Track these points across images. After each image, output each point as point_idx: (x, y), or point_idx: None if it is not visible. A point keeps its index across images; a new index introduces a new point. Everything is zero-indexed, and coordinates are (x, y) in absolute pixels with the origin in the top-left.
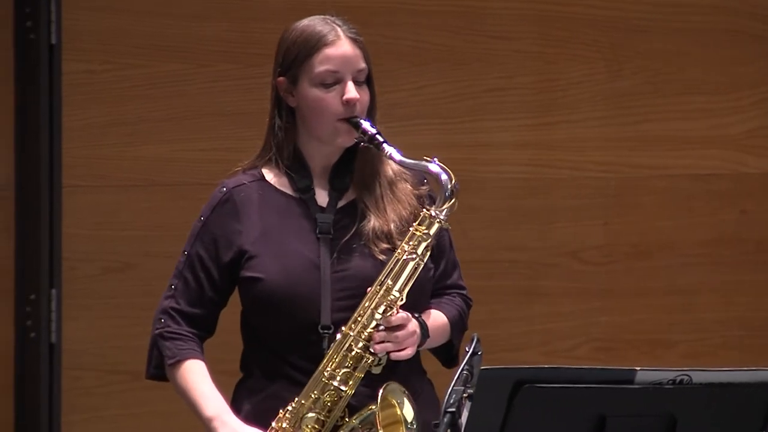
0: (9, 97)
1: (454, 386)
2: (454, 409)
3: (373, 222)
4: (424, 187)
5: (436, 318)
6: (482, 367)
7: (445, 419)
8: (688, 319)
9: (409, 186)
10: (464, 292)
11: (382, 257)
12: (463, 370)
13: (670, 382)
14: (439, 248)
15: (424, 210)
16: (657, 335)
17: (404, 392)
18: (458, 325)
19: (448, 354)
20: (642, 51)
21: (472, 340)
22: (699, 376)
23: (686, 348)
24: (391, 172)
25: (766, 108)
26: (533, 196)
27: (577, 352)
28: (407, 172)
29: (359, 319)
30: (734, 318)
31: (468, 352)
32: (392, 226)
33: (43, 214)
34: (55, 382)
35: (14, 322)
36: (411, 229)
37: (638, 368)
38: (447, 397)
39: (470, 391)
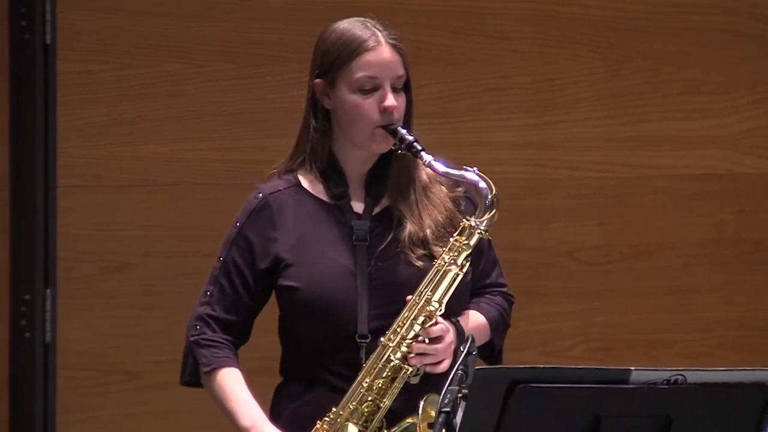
0: (4, 96)
1: (449, 386)
2: (449, 409)
3: (408, 228)
4: (459, 189)
5: (475, 319)
6: (477, 367)
7: (440, 419)
8: (687, 319)
9: (444, 189)
10: (505, 289)
11: (419, 264)
12: (457, 370)
13: (665, 382)
14: (478, 248)
15: (464, 220)
16: (655, 335)
17: None
18: (499, 324)
19: (490, 353)
20: (641, 51)
21: (467, 341)
22: (694, 376)
23: (684, 348)
24: (425, 177)
25: (765, 108)
26: (532, 196)
27: (575, 351)
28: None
29: (398, 329)
30: (733, 318)
31: (462, 351)
32: (428, 231)
33: (38, 214)
34: (50, 383)
35: (9, 321)
36: (451, 240)
37: (633, 368)
38: (442, 397)
39: (465, 391)
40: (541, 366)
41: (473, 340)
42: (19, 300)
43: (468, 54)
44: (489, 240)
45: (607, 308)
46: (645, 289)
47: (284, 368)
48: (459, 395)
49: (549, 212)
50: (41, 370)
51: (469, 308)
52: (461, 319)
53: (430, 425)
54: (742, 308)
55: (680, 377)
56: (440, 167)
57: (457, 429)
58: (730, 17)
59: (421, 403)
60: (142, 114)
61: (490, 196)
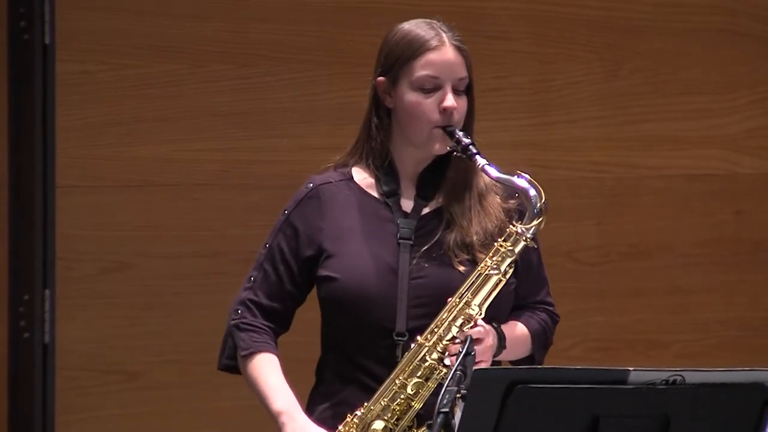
0: (3, 97)
1: (447, 387)
2: (447, 410)
3: (456, 232)
4: (513, 201)
5: (517, 329)
6: (475, 368)
7: (439, 420)
8: (686, 319)
9: (498, 199)
10: (552, 308)
11: (461, 268)
12: (456, 370)
13: (664, 382)
14: (526, 264)
15: (511, 226)
16: (654, 335)
17: None
18: (540, 339)
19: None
20: (639, 51)
21: (465, 341)
22: (692, 377)
23: (683, 348)
24: (482, 185)
25: (764, 108)
26: None
27: (574, 352)
28: (498, 185)
29: (436, 330)
30: (732, 318)
31: (461, 352)
32: (475, 238)
33: (37, 214)
34: (49, 383)
35: (8, 322)
36: (495, 244)
37: (631, 368)
38: (440, 397)
39: (464, 391)
40: (540, 366)
41: (472, 341)
42: (18, 300)
43: None
44: (539, 257)
45: (606, 308)
46: (644, 290)
47: (320, 370)
48: (458, 395)
49: (547, 212)
50: (40, 371)
51: (511, 319)
52: (504, 327)
53: (429, 425)
54: (741, 308)
55: (679, 377)
56: (493, 172)
57: (456, 429)
58: (729, 17)
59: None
60: (141, 114)
61: (539, 204)
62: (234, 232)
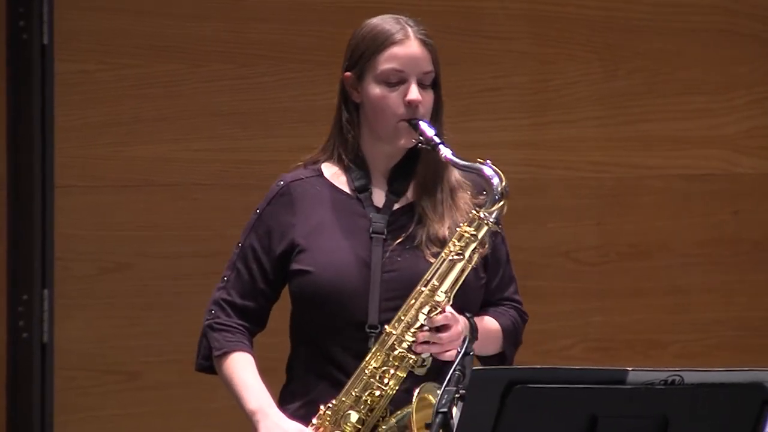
0: (1, 97)
1: (446, 387)
2: (446, 410)
3: (428, 226)
4: (482, 197)
5: (489, 323)
6: (474, 368)
7: (437, 420)
8: (685, 319)
9: (468, 195)
10: (521, 306)
11: (432, 260)
12: (454, 370)
13: (662, 382)
14: (496, 259)
15: (473, 211)
16: (652, 335)
17: (439, 387)
18: (511, 336)
19: (500, 365)
20: (638, 51)
21: (464, 341)
22: (691, 377)
23: (682, 348)
24: (453, 180)
25: (763, 108)
26: (529, 196)
27: (571, 352)
28: (468, 182)
29: (403, 318)
30: (731, 318)
31: (459, 352)
32: (447, 232)
33: (36, 214)
34: (48, 383)
35: (7, 322)
36: (459, 229)
37: (630, 368)
38: (439, 397)
39: (462, 391)
40: (539, 366)
41: (470, 341)
42: (17, 300)
43: (464, 54)
44: (508, 255)
45: (605, 308)
46: (643, 290)
47: (290, 366)
48: (456, 396)
49: (546, 212)
50: (39, 371)
51: (483, 314)
52: (476, 320)
53: (428, 426)
54: (740, 308)
55: (678, 378)
56: (458, 161)
57: (455, 429)
58: (728, 17)
59: (416, 390)
60: (140, 114)
61: (499, 189)
62: (234, 232)
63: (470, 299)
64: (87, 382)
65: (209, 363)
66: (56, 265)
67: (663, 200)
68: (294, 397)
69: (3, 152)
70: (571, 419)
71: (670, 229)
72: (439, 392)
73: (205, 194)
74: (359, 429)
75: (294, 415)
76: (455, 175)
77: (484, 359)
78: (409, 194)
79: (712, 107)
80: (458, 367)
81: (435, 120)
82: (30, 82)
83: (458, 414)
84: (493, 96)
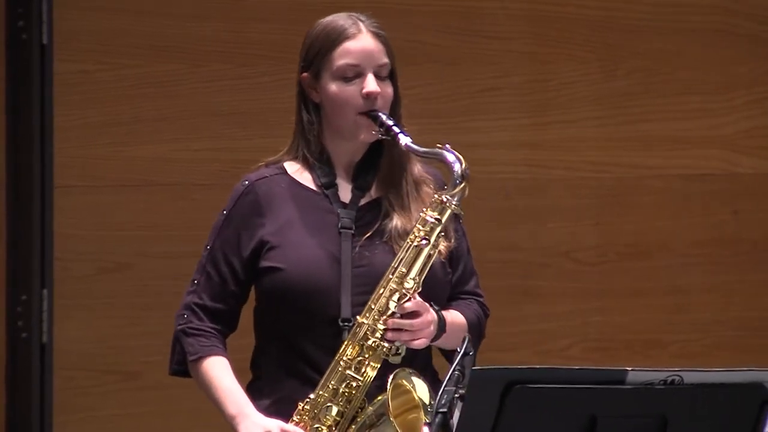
0: (1, 97)
1: (445, 386)
2: (445, 410)
3: (396, 220)
4: (444, 191)
5: (455, 317)
6: (474, 368)
7: (437, 420)
8: (683, 319)
9: (430, 189)
10: (482, 300)
11: None
12: (454, 370)
13: (662, 382)
14: (457, 253)
15: (435, 196)
16: (651, 335)
17: (413, 373)
18: (476, 330)
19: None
20: (637, 51)
21: (463, 341)
22: (690, 377)
23: (681, 348)
24: (417, 173)
25: (762, 108)
26: (528, 196)
27: (571, 352)
28: (429, 176)
29: (373, 306)
30: (730, 318)
31: (459, 352)
32: (414, 224)
33: (35, 214)
34: (47, 383)
35: (6, 322)
36: (422, 214)
37: (629, 368)
38: (438, 397)
39: (462, 391)
40: (538, 366)
41: (469, 340)
42: (16, 300)
43: (464, 54)
44: (468, 248)
45: (604, 308)
46: (642, 289)
47: (256, 364)
48: (456, 396)
49: (545, 212)
50: (38, 371)
51: (448, 307)
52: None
53: (428, 424)
54: (739, 308)
55: (677, 378)
56: (418, 148)
57: (454, 430)
58: (727, 17)
59: (390, 377)
60: (140, 114)
61: (459, 171)
62: None
63: (438, 293)
64: (86, 382)
65: (183, 368)
66: (55, 265)
67: (662, 200)
68: (263, 395)
69: (2, 152)
70: (571, 419)
71: (669, 229)
72: (414, 378)
73: (204, 194)
74: (338, 421)
75: (265, 413)
76: (418, 168)
77: (448, 353)
78: (375, 189)
79: (712, 107)
80: (458, 367)
81: (394, 111)
82: (29, 82)
83: (458, 414)
84: (492, 96)
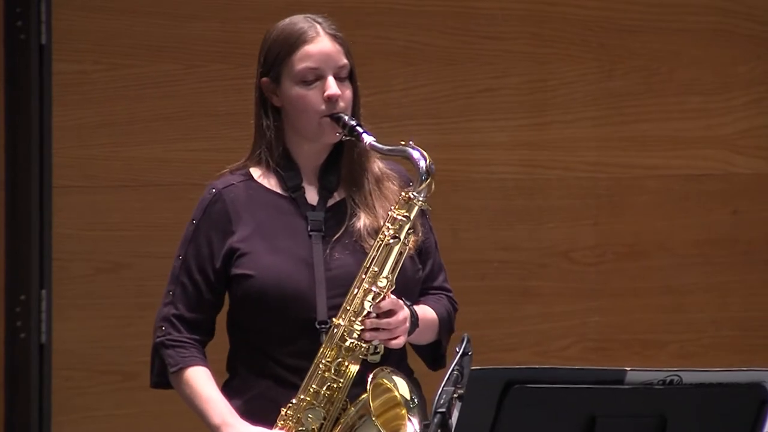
0: None
1: (444, 386)
2: (444, 410)
3: (363, 219)
4: (410, 187)
5: (426, 312)
6: (472, 368)
7: (436, 420)
8: (681, 319)
9: (395, 186)
10: (450, 294)
11: None
12: (453, 370)
13: (661, 382)
14: (425, 250)
15: (402, 193)
16: (649, 335)
17: (393, 371)
18: (446, 325)
19: (435, 353)
20: (634, 51)
21: (463, 341)
22: (689, 377)
23: (679, 348)
24: (378, 170)
25: (759, 108)
26: (526, 196)
27: (569, 352)
28: (395, 173)
29: (348, 307)
30: (727, 318)
31: (458, 352)
32: (381, 222)
33: (34, 214)
34: (45, 383)
35: (4, 322)
36: (390, 213)
37: (628, 368)
38: (437, 397)
39: (460, 391)
40: (537, 366)
41: (469, 340)
42: (15, 300)
43: (461, 54)
44: (436, 243)
45: (602, 308)
46: (640, 290)
47: (231, 365)
48: (454, 396)
49: (543, 212)
50: (37, 371)
51: (418, 303)
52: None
53: (426, 425)
54: (736, 308)
55: (676, 378)
56: (382, 147)
57: (453, 430)
58: (724, 17)
59: (370, 377)
60: (137, 114)
61: (424, 167)
62: None
63: (410, 290)
64: (84, 382)
65: (164, 379)
66: (54, 266)
67: (660, 200)
68: (237, 394)
69: (1, 152)
70: (570, 419)
71: (667, 229)
72: (394, 377)
73: (201, 194)
74: (322, 424)
75: (240, 412)
76: (379, 165)
77: (419, 348)
78: (339, 190)
79: (710, 107)
80: (456, 367)
81: (355, 111)
82: (28, 82)
83: (457, 414)
84: (490, 96)
